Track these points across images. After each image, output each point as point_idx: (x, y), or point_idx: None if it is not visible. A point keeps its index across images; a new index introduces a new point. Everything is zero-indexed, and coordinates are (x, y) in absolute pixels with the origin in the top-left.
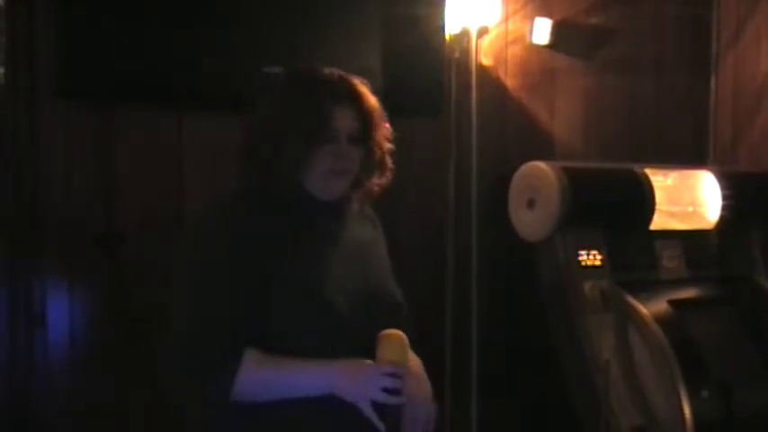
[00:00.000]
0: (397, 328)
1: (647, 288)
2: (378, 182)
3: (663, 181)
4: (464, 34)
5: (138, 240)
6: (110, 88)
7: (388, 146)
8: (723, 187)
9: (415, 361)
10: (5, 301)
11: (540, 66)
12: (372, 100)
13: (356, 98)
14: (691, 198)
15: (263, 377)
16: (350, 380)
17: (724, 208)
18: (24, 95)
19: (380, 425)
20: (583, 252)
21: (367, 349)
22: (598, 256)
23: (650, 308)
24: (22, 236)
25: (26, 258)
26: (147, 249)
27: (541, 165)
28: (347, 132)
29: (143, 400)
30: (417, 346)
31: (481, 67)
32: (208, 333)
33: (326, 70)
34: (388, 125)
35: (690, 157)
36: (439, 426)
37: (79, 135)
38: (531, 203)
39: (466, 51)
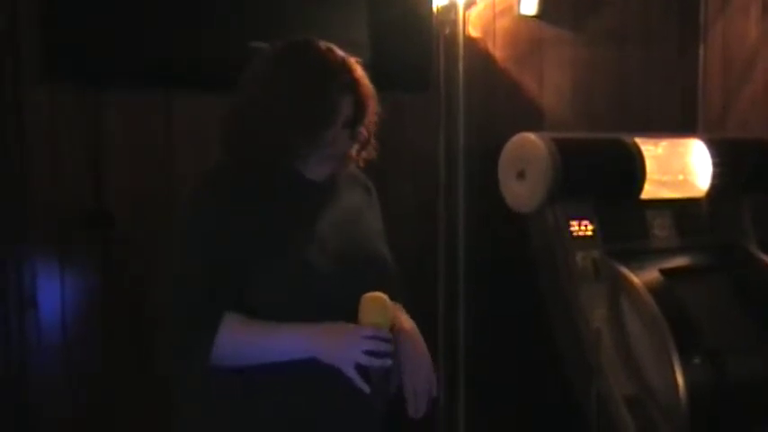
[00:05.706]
0: (384, 289)
1: (639, 257)
2: (364, 156)
3: (653, 150)
4: (452, 6)
5: (129, 221)
6: (96, 68)
7: (374, 123)
8: (713, 155)
9: (408, 323)
10: None
11: (528, 37)
12: (370, 86)
13: (357, 87)
14: (681, 166)
15: (243, 339)
16: (332, 343)
17: (714, 176)
18: (9, 77)
19: (365, 386)
20: (574, 222)
21: (353, 312)
22: (589, 226)
23: (642, 277)
24: (11, 218)
25: (16, 241)
26: (138, 230)
27: (531, 136)
28: (344, 118)
29: (137, 380)
30: (410, 313)
31: (469, 39)
32: (188, 295)
33: (327, 50)
34: (378, 107)
35: (680, 126)
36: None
37: (66, 117)
38: (521, 175)
39: (454, 23)
